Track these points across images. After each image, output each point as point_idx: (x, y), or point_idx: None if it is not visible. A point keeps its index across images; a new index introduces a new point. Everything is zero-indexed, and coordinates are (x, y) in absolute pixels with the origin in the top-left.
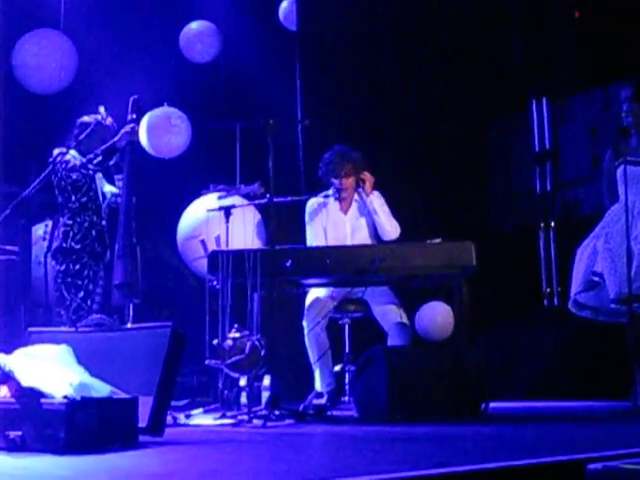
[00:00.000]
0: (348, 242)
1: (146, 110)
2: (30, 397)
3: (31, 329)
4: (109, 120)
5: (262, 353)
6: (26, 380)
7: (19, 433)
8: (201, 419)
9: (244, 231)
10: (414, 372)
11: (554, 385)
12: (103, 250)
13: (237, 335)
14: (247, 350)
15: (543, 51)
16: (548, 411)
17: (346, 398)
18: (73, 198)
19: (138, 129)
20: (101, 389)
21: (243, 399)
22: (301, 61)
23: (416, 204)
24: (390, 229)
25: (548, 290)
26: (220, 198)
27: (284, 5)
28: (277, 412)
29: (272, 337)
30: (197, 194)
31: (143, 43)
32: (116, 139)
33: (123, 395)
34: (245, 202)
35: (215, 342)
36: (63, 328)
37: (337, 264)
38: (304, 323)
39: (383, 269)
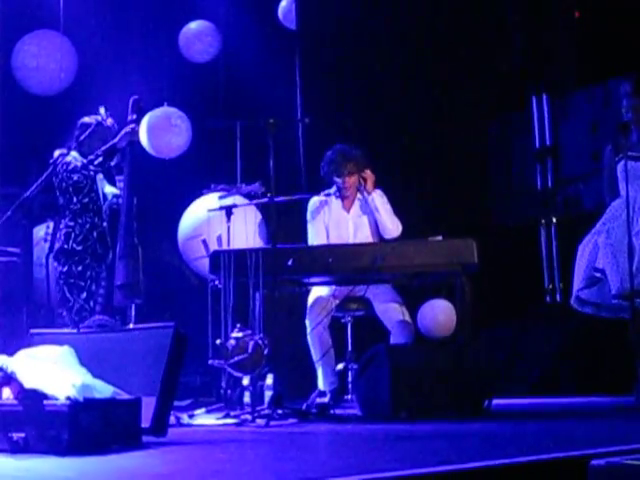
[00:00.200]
0: (350, 240)
1: (146, 110)
2: (33, 399)
3: (33, 331)
4: (110, 121)
5: (265, 352)
6: (29, 382)
7: (22, 435)
8: (204, 419)
9: (245, 230)
10: (417, 370)
11: (557, 381)
12: (104, 251)
13: (240, 335)
14: (250, 349)
15: (543, 48)
16: (551, 407)
17: (349, 396)
18: (74, 199)
19: (138, 129)
20: (104, 390)
21: (246, 398)
22: (301, 60)
23: (417, 202)
24: (392, 227)
25: (550, 286)
26: (221, 198)
27: (283, 4)
28: (280, 411)
29: (274, 336)
30: (198, 194)
31: (143, 43)
32: (116, 140)
33: (126, 396)
34: (246, 202)
35: (218, 342)
36: (65, 329)
37: (339, 262)
38: (306, 322)
39: (385, 267)
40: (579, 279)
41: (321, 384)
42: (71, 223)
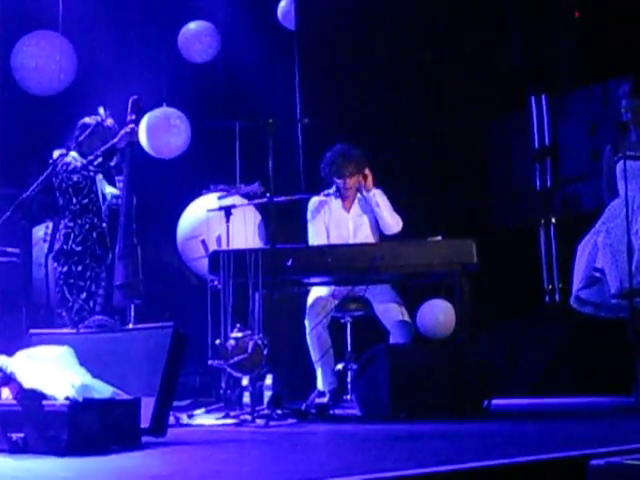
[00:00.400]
0: (351, 240)
1: (145, 111)
2: (32, 399)
3: (32, 331)
4: (110, 121)
5: (264, 352)
6: (28, 382)
7: (21, 435)
8: (204, 419)
9: (245, 231)
10: (416, 370)
11: (556, 381)
12: (104, 252)
13: (239, 335)
14: (249, 350)
15: (542, 48)
16: (550, 407)
17: (348, 397)
18: (74, 200)
19: (138, 130)
20: (103, 390)
21: (246, 399)
22: (300, 60)
23: (416, 202)
24: (392, 222)
25: (549, 287)
26: (220, 198)
27: (282, 4)
28: (280, 411)
29: (274, 336)
30: (197, 194)
31: (142, 44)
32: (116, 140)
33: (125, 396)
34: (245, 202)
35: (217, 342)
36: (64, 330)
37: (338, 263)
38: (306, 322)
39: (384, 267)
40: (578, 279)
41: (320, 384)
42: (70, 224)
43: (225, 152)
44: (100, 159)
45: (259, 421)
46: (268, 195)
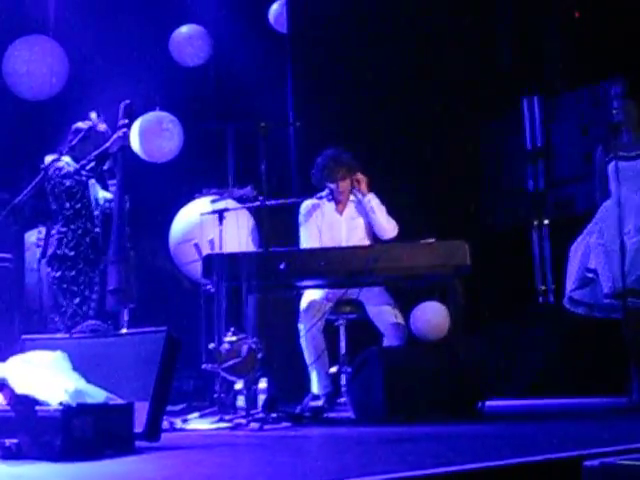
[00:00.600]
0: (344, 243)
1: (138, 115)
2: (25, 404)
3: (25, 336)
4: (103, 126)
5: (258, 356)
6: (21, 387)
7: (15, 441)
8: (198, 423)
9: (238, 234)
10: (410, 372)
11: (550, 382)
12: (97, 257)
13: (233, 339)
14: (243, 353)
15: (534, 50)
16: (545, 408)
17: (343, 400)
18: (67, 205)
19: (130, 134)
20: (97, 395)
21: (240, 402)
22: (292, 63)
23: (409, 204)
24: (388, 227)
25: (542, 288)
26: (213, 201)
27: (274, 7)
28: (274, 415)
29: (268, 340)
30: (190, 198)
31: (133, 48)
32: (108, 144)
33: (119, 401)
34: (238, 205)
35: (211, 346)
36: (58, 335)
37: (331, 266)
38: (300, 325)
39: (377, 269)
40: (572, 280)
41: (315, 388)
42: (63, 229)
43: (218, 156)
44: (92, 164)
45: (253, 425)
46: (261, 198)
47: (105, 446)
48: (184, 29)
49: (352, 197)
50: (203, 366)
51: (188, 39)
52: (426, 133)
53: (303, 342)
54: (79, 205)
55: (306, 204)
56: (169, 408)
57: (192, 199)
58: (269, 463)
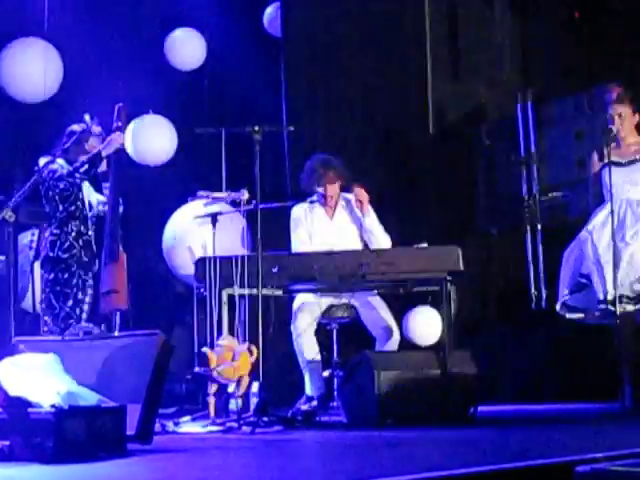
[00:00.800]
0: (335, 248)
1: (131, 118)
2: (17, 407)
3: (18, 338)
4: (97, 129)
5: (250, 359)
6: (13, 390)
7: (7, 443)
8: (190, 426)
9: (231, 237)
10: (402, 377)
11: (542, 388)
12: (90, 259)
13: (225, 342)
14: (235, 357)
15: (527, 55)
16: (536, 414)
17: (335, 403)
18: (60, 207)
19: (123, 137)
20: (89, 398)
21: (232, 406)
22: (286, 67)
23: (402, 209)
24: (385, 244)
25: (536, 293)
26: (206, 205)
27: (269, 11)
28: (266, 418)
29: (260, 343)
30: (183, 201)
31: (128, 50)
32: (102, 147)
33: (111, 403)
34: (231, 209)
35: (203, 349)
36: (50, 337)
37: (324, 270)
38: (292, 327)
39: (370, 274)
40: (565, 285)
41: (308, 390)
42: (57, 231)
43: (211, 159)
44: (86, 166)
45: (245, 428)
46: (254, 202)
47: (97, 448)
48: (179, 32)
49: (342, 201)
50: (195, 369)
51: (183, 42)
52: (419, 137)
53: (296, 344)
54: (73, 207)
55: (296, 209)
56: (161, 411)
57: (186, 202)
58: (260, 466)
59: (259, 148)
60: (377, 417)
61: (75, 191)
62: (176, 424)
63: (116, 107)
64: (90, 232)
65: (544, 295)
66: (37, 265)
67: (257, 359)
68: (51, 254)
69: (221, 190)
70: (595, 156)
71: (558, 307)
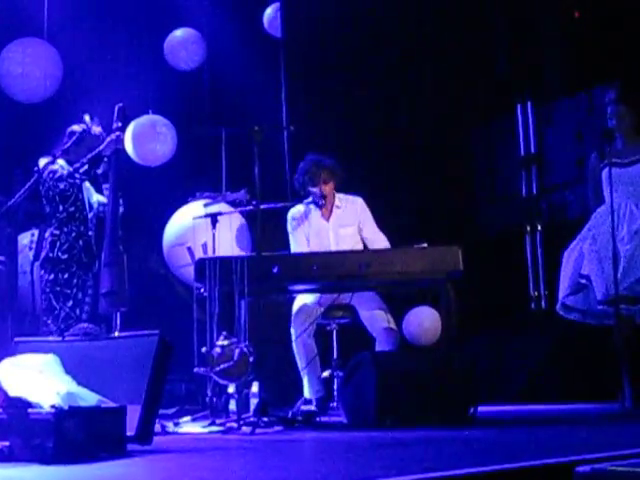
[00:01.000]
0: (332, 248)
1: (131, 118)
2: (17, 407)
3: (18, 339)
4: (98, 129)
5: (250, 360)
6: (13, 390)
7: (6, 443)
8: (190, 427)
9: (231, 238)
10: (402, 377)
11: (542, 388)
12: (90, 260)
13: (225, 342)
14: (235, 357)
15: (527, 56)
16: (536, 414)
17: (335, 404)
18: (61, 208)
19: (123, 137)
20: (89, 398)
21: (232, 406)
22: (286, 68)
23: (402, 209)
24: (384, 245)
25: (535, 293)
26: (206, 205)
27: (268, 12)
28: (266, 419)
29: (260, 344)
30: (183, 201)
31: (128, 51)
32: (102, 147)
33: (111, 404)
34: (231, 209)
35: (203, 350)
36: (50, 337)
37: (324, 270)
38: (291, 330)
39: (370, 274)
40: (565, 286)
41: (307, 392)
42: (57, 231)
43: (211, 159)
44: (86, 167)
45: (245, 429)
46: (254, 202)
47: (97, 449)
48: (178, 33)
49: (337, 202)
50: (195, 370)
51: (182, 43)
52: (420, 138)
53: (295, 347)
54: (73, 208)
55: (292, 212)
56: (161, 411)
57: (185, 203)
58: (260, 467)
59: (259, 148)
60: (377, 417)
61: (75, 192)
62: (176, 424)
63: (116, 107)
64: (90, 233)
65: (544, 295)
66: (37, 265)
67: (256, 360)
68: (51, 255)
69: (221, 190)
70: (595, 156)
71: (557, 307)
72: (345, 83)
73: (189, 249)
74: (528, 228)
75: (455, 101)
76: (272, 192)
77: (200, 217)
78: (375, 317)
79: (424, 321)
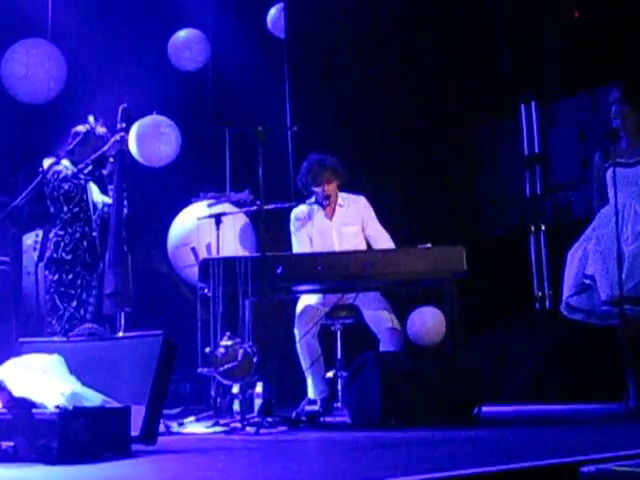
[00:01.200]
0: (336, 248)
1: (135, 119)
2: (22, 407)
3: (22, 339)
4: (102, 130)
5: (254, 360)
6: (18, 390)
7: (11, 444)
8: (194, 427)
9: (234, 238)
10: (406, 377)
11: (546, 388)
12: (94, 261)
13: (229, 343)
14: (239, 357)
15: (531, 56)
16: (541, 414)
17: (339, 404)
18: (65, 209)
19: (127, 138)
20: (93, 398)
21: (236, 406)
22: (289, 68)
23: (405, 209)
24: (388, 245)
25: (539, 294)
26: (210, 206)
27: (272, 12)
28: (270, 419)
29: (264, 344)
30: (187, 202)
31: (131, 52)
32: (106, 148)
33: (115, 404)
34: (235, 209)
35: (207, 350)
36: (55, 338)
37: (328, 270)
38: (295, 330)
39: (374, 274)
40: (569, 286)
41: (311, 393)
42: (61, 232)
43: (215, 160)
44: (90, 167)
45: (249, 429)
46: (258, 203)
47: (102, 449)
48: (182, 33)
49: (340, 201)
50: (199, 370)
51: (186, 43)
52: (424, 138)
53: (298, 347)
54: (77, 209)
55: (296, 212)
56: (165, 412)
57: (189, 203)
58: (265, 467)
59: (263, 149)
60: (381, 417)
61: (79, 192)
62: (180, 425)
63: (120, 108)
64: (94, 233)
65: (548, 295)
66: (41, 266)
67: (260, 360)
68: (55, 255)
69: (225, 191)
70: (599, 156)
71: (561, 307)
72: (348, 83)
73: (193, 249)
74: (532, 228)
75: (459, 101)
76: (276, 192)
77: (204, 217)
78: (379, 317)
79: (428, 321)
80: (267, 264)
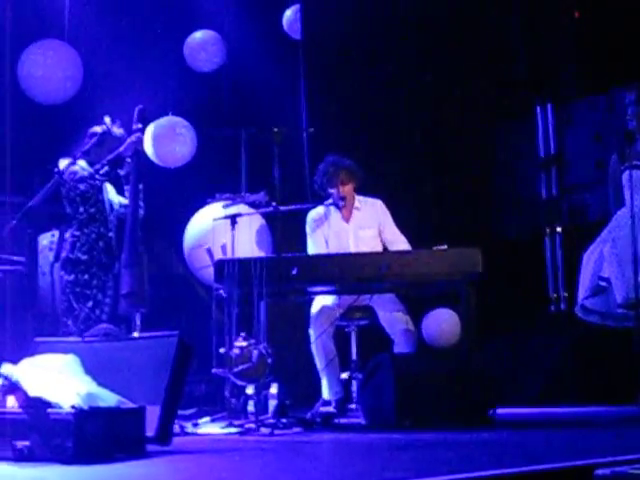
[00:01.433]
0: (352, 250)
1: (151, 120)
2: (37, 407)
3: (38, 339)
4: (119, 130)
5: (269, 361)
6: (33, 390)
7: (27, 443)
8: (208, 428)
9: (250, 239)
10: (421, 379)
11: (561, 390)
12: (110, 261)
13: (244, 344)
14: (254, 358)
15: (547, 57)
16: (556, 417)
17: (354, 405)
18: (81, 209)
19: (143, 139)
20: (108, 399)
21: (250, 407)
22: (305, 69)
23: (422, 211)
24: (404, 247)
25: (555, 295)
26: (226, 207)
27: (288, 14)
28: (284, 420)
29: (279, 345)
30: (203, 203)
31: (147, 53)
32: (122, 149)
33: (130, 404)
34: (251, 210)
35: (222, 351)
36: (70, 338)
37: (343, 272)
38: (310, 331)
39: (389, 276)
40: (584, 288)
41: (326, 394)
42: (77, 232)
43: (231, 161)
44: (107, 168)
45: (264, 430)
46: (274, 204)
47: (116, 449)
48: (198, 34)
49: (357, 204)
50: (214, 371)
51: (202, 44)
52: (439, 140)
53: (313, 348)
54: (93, 209)
55: (312, 214)
56: (180, 412)
57: (205, 204)
58: (279, 468)
59: (279, 150)
60: (396, 419)
61: (95, 193)
62: (195, 425)
63: (136, 109)
64: (110, 234)
65: (563, 297)
66: (57, 266)
67: (275, 361)
68: (71, 255)
69: (241, 192)
70: (615, 158)
71: (577, 309)
72: (364, 84)
73: (208, 250)
74: (548, 230)
75: (475, 103)
76: (292, 193)
77: (220, 218)
78: (394, 319)
79: (443, 323)
80: (282, 265)
